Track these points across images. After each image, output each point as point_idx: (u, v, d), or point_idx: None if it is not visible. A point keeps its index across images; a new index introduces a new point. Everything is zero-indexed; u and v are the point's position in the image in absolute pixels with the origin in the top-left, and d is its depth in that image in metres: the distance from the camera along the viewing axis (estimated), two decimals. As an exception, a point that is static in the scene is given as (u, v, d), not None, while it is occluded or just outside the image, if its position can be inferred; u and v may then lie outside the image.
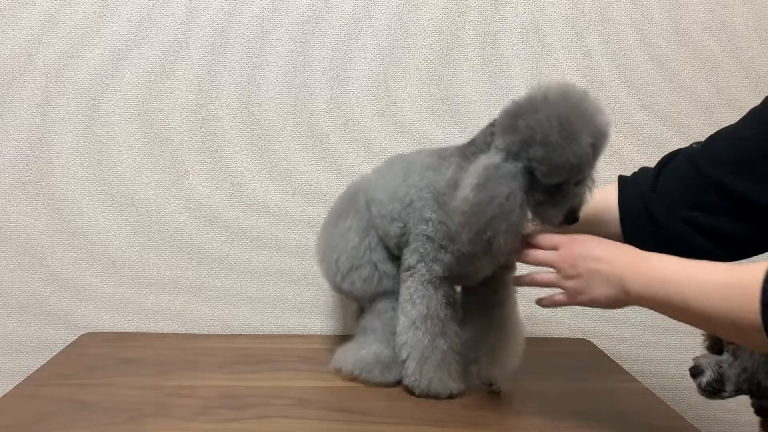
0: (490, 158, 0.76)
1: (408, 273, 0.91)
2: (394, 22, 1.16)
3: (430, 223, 0.87)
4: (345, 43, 1.17)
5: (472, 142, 0.85)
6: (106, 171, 1.18)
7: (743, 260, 0.69)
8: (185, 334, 1.20)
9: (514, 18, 1.18)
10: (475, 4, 1.17)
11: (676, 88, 1.21)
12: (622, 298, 0.72)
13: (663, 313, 0.70)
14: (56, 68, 1.14)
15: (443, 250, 0.87)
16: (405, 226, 0.90)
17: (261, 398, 0.87)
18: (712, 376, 0.81)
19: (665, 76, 1.21)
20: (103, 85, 1.15)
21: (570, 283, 0.75)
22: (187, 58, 1.15)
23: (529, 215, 0.79)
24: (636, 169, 0.90)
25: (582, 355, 1.15)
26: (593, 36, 1.19)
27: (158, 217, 1.20)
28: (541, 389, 0.97)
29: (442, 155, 0.89)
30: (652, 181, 0.84)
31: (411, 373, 0.90)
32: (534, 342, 1.20)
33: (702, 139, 0.83)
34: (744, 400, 0.87)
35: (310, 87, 1.17)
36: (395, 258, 0.95)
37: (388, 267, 0.95)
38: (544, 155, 0.72)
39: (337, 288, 0.99)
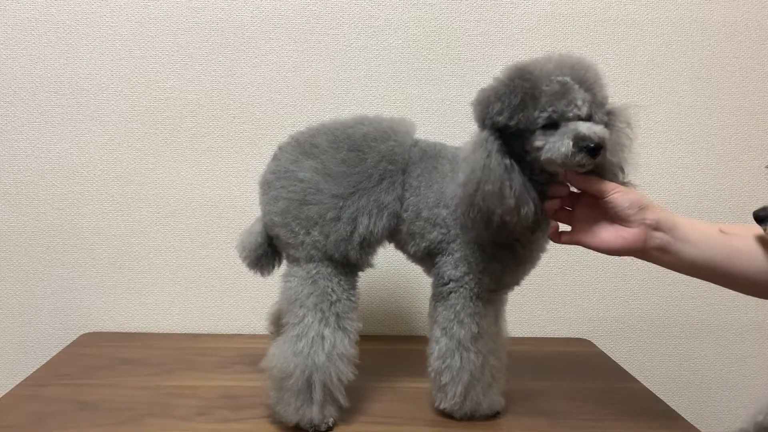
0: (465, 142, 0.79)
1: (448, 288, 0.82)
2: (394, 22, 1.16)
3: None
4: (345, 43, 1.17)
5: None
6: (106, 171, 1.18)
7: None
8: (185, 334, 1.20)
9: (514, 18, 1.18)
10: (475, 4, 1.17)
11: (676, 88, 1.21)
12: None
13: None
14: (56, 68, 1.14)
15: (494, 260, 0.81)
16: (448, 232, 0.82)
17: (261, 398, 0.86)
18: None
19: (665, 76, 1.21)
20: (103, 85, 1.15)
21: None
22: (187, 58, 1.15)
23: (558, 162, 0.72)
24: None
25: (582, 355, 1.15)
26: (593, 36, 1.19)
27: (158, 217, 1.20)
28: (541, 389, 0.97)
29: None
30: None
31: (452, 397, 0.83)
32: (534, 342, 1.21)
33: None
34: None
35: (310, 87, 1.17)
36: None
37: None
38: (501, 105, 0.72)
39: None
